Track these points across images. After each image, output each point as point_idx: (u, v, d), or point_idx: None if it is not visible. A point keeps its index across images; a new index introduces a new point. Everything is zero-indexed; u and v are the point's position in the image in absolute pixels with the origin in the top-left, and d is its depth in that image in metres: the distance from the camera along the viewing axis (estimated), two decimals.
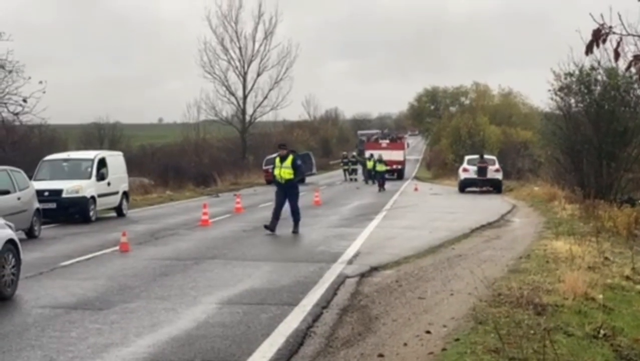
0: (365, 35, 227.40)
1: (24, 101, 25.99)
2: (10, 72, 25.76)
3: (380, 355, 7.33)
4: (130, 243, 15.84)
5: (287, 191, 19.06)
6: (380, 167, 46.06)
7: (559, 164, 32.79)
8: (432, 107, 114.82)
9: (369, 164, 50.28)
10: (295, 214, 19.09)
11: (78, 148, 45.64)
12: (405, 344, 7.70)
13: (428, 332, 8.10)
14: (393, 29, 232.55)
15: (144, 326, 8.52)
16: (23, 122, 28.38)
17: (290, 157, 19.08)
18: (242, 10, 70.21)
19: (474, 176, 39.54)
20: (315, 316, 9.10)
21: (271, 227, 18.66)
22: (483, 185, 39.86)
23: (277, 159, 19.39)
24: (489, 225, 20.74)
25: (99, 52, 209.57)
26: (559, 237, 15.85)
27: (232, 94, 70.50)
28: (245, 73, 70.70)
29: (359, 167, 59.62)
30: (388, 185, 47.01)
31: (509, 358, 6.60)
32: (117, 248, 15.66)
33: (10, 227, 11.01)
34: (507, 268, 12.38)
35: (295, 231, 18.82)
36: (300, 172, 19.71)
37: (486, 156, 44.36)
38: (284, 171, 18.98)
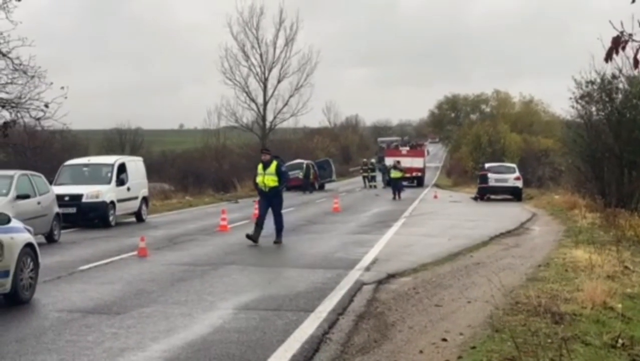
0: (385, 42, 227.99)
1: (46, 106, 26.01)
2: (32, 77, 25.78)
3: None
4: (148, 248, 15.89)
5: (272, 200, 17.76)
6: (395, 174, 42.06)
7: (580, 172, 32.60)
8: (453, 114, 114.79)
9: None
10: (278, 223, 17.87)
11: (99, 153, 45.93)
12: (421, 351, 7.66)
13: (444, 340, 8.06)
14: (413, 36, 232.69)
15: (159, 331, 8.53)
16: (44, 128, 28.48)
17: (274, 163, 17.83)
18: (263, 17, 70.10)
19: (494, 183, 39.40)
20: (331, 322, 9.07)
21: (254, 237, 17.47)
22: (485, 193, 39.95)
23: (260, 166, 17.99)
24: (509, 233, 20.63)
25: (121, 58, 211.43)
26: (578, 246, 15.72)
27: (253, 100, 70.55)
28: (266, 79, 70.77)
29: (378, 174, 59.51)
30: (408, 192, 46.81)
31: None
32: (135, 252, 15.73)
33: (29, 231, 11.07)
34: (525, 276, 12.30)
35: (278, 240, 17.67)
36: (285, 178, 18.24)
37: (506, 164, 44.25)
38: (268, 178, 17.72)
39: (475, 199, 39.93)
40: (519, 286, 11.09)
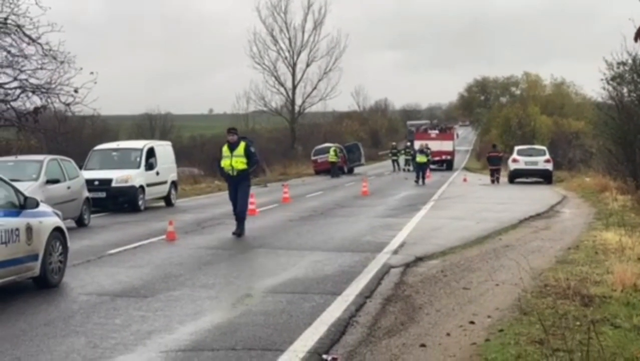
0: (414, 25, 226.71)
1: (75, 91, 26.24)
2: (62, 62, 25.99)
3: (423, 345, 7.26)
4: (177, 232, 15.96)
5: (238, 184, 16.26)
6: (421, 159, 39.51)
7: (611, 154, 32.20)
8: (482, 97, 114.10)
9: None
10: (242, 212, 16.22)
11: (130, 139, 46.17)
12: (448, 334, 7.63)
13: (472, 323, 8.01)
14: (442, 18, 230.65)
15: (187, 314, 8.56)
16: (74, 113, 28.65)
17: (242, 144, 16.23)
18: (292, 1, 71.03)
19: (524, 166, 39.17)
20: (359, 305, 9.05)
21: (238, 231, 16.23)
22: (496, 174, 40.01)
23: (225, 148, 16.36)
24: (538, 216, 20.46)
25: (150, 44, 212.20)
26: (609, 228, 15.55)
27: (282, 84, 70.91)
28: (295, 64, 71.07)
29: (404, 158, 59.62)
30: (437, 175, 46.65)
31: (553, 349, 6.48)
32: (164, 236, 15.79)
33: (57, 215, 11.15)
34: (555, 258, 12.20)
35: (237, 232, 16.10)
36: (255, 161, 16.59)
37: (536, 147, 43.92)
38: (236, 161, 16.11)
39: (492, 181, 39.78)
40: (548, 269, 11.00)
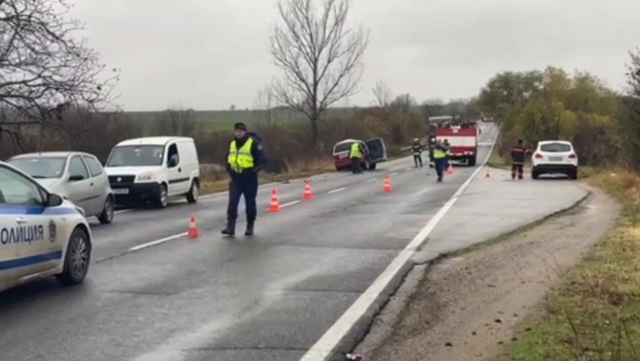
0: (436, 20, 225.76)
1: (98, 88, 26.38)
2: (85, 60, 26.14)
3: (448, 344, 7.15)
4: (199, 228, 15.92)
5: (244, 183, 15.74)
6: (439, 154, 38.82)
7: (637, 149, 31.93)
8: (505, 92, 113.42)
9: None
10: (251, 211, 15.88)
11: (152, 135, 46.28)
12: (474, 333, 7.51)
13: (498, 321, 7.89)
14: (464, 13, 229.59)
15: (209, 312, 8.50)
16: (97, 110, 28.81)
17: (249, 141, 15.61)
18: None
19: (548, 162, 38.88)
20: (382, 303, 8.95)
21: (229, 230, 15.51)
22: (518, 170, 39.77)
23: (233, 144, 15.77)
24: (563, 212, 20.25)
25: (172, 40, 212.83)
26: (636, 224, 15.34)
27: (303, 80, 70.82)
28: (316, 59, 70.93)
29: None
30: (459, 171, 46.35)
31: (582, 348, 6.35)
32: (186, 233, 15.77)
33: (80, 212, 11.13)
34: (581, 255, 12.03)
35: (249, 232, 15.68)
36: (262, 159, 15.94)
37: (560, 142, 43.60)
38: (241, 158, 15.58)
39: (513, 176, 39.59)
40: (574, 266, 10.84)
